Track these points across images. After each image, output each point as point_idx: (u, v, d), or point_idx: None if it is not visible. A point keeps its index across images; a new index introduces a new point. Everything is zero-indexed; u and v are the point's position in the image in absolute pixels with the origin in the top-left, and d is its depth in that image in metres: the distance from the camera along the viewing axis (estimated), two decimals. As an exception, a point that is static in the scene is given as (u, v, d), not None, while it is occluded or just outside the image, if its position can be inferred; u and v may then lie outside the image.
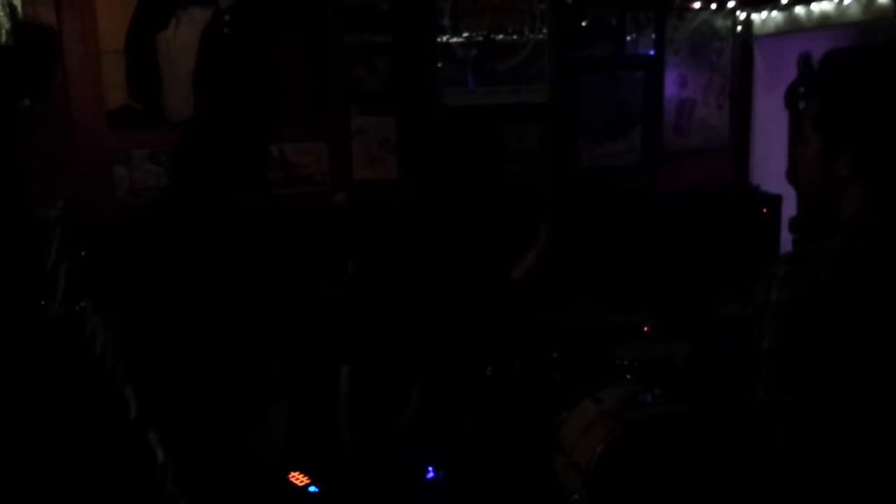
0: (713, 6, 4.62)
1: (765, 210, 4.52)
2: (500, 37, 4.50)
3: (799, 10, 4.10)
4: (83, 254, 3.35)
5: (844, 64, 1.46)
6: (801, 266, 1.39)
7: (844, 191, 1.43)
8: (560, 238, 3.23)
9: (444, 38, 4.45)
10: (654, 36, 4.63)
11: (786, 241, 4.38)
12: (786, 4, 4.20)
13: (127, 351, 2.29)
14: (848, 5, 3.71)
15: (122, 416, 2.21)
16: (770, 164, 4.56)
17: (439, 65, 4.46)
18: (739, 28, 4.66)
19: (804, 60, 1.47)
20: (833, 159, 1.43)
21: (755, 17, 4.56)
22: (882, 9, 3.51)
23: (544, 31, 4.53)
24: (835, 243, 1.41)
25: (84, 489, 2.21)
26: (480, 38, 4.48)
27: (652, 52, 4.66)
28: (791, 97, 1.47)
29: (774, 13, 4.36)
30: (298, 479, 3.06)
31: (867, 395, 1.36)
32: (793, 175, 1.57)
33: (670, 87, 4.70)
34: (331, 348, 3.43)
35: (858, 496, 1.37)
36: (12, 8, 2.91)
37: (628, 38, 4.62)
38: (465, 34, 4.47)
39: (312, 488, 3.06)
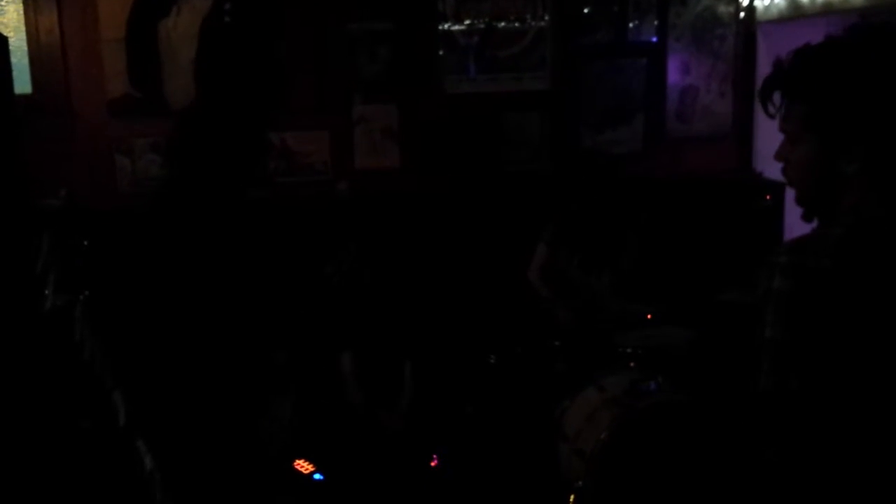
0: (716, -8, 4.61)
1: (768, 197, 4.51)
2: (502, 24, 4.48)
3: (802, -5, 4.08)
4: (85, 243, 3.35)
5: (827, 62, 1.43)
6: (803, 254, 1.38)
7: (848, 184, 1.43)
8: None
9: (446, 26, 4.43)
10: (656, 22, 4.61)
11: (789, 228, 4.38)
12: (789, -10, 4.18)
13: (116, 357, 2.28)
14: (851, -9, 3.69)
15: (111, 423, 2.20)
16: (773, 152, 4.54)
17: (441, 52, 4.45)
18: (742, 14, 4.64)
19: (777, 62, 1.43)
20: (836, 158, 1.43)
21: (758, 3, 4.54)
22: (886, -6, 3.50)
23: (546, 18, 4.51)
24: (836, 231, 1.41)
25: (72, 496, 2.20)
26: (482, 26, 4.46)
27: (654, 39, 4.64)
28: (765, 99, 1.43)
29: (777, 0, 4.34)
30: (303, 466, 3.07)
31: (871, 383, 1.36)
32: (784, 174, 1.56)
33: (673, 74, 4.68)
34: (333, 336, 3.43)
35: (862, 483, 1.38)
36: None
37: (630, 24, 4.60)
38: (467, 21, 4.45)
39: (317, 476, 3.07)
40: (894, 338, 1.34)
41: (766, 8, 4.47)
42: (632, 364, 3.30)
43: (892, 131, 1.39)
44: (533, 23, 4.51)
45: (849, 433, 1.37)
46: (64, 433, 2.23)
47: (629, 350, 3.35)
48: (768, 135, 4.72)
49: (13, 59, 2.92)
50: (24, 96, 3.86)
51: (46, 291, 2.41)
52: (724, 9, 4.65)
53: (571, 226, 3.83)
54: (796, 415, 1.38)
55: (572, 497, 2.85)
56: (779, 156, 1.54)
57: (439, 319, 4.06)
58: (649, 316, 3.71)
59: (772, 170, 4.58)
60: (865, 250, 1.37)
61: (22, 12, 4.01)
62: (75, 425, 2.24)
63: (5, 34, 2.63)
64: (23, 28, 4.01)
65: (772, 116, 1.51)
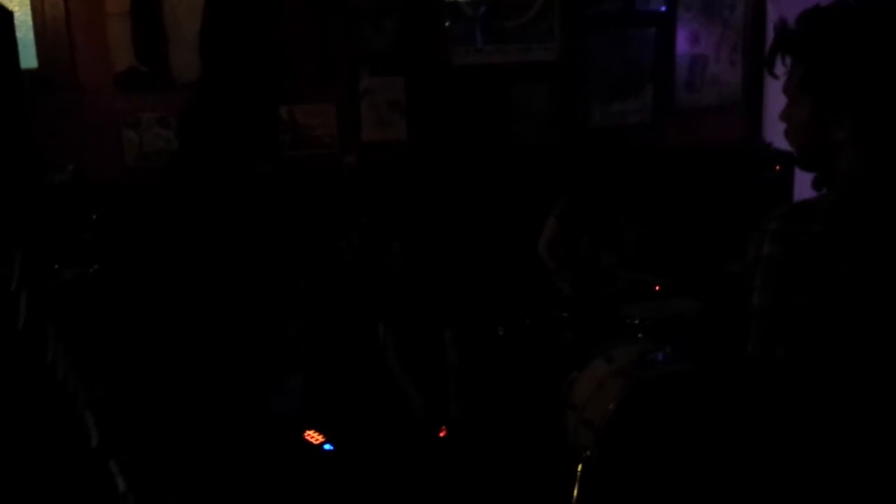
0: (726, -40, 4.55)
1: (777, 167, 4.49)
2: (509, -6, 4.44)
3: (813, -38, 4.03)
4: (94, 217, 3.35)
5: (827, 25, 1.41)
6: (794, 221, 1.38)
7: (840, 150, 1.42)
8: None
9: (453, -4, 4.40)
10: (665, -9, 4.57)
11: (798, 198, 4.36)
12: (800, -43, 4.12)
13: (89, 377, 2.26)
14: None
15: (83, 444, 2.18)
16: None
17: (447, 23, 4.41)
18: (752, -18, 4.59)
19: (781, 23, 1.44)
20: (827, 123, 1.42)
21: (768, -30, 4.49)
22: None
23: (554, -13, 4.46)
24: (828, 198, 1.40)
25: None
26: (489, -4, 4.42)
27: (663, 9, 4.59)
28: (770, 62, 1.44)
29: (788, -34, 4.28)
30: (314, 437, 3.09)
31: (859, 349, 1.36)
32: (785, 136, 1.56)
33: (682, 44, 4.64)
34: (367, 307, 3.44)
35: (844, 448, 1.38)
36: None
37: (639, -7, 4.56)
38: (474, -8, 4.41)
39: (328, 446, 3.10)
40: (883, 304, 1.34)
41: (777, -25, 4.42)
42: (640, 335, 3.30)
43: (882, 100, 1.38)
44: (540, -8, 4.46)
45: (834, 400, 1.37)
46: (33, 460, 2.21)
47: (637, 321, 3.36)
48: (778, 105, 4.67)
49: (19, 34, 2.91)
50: (29, 71, 3.85)
51: (57, 266, 2.41)
52: (733, -23, 4.60)
53: (582, 202, 3.82)
54: (782, 381, 1.37)
55: (580, 467, 2.87)
56: (782, 116, 1.54)
57: (451, 290, 4.07)
58: (657, 287, 3.70)
59: (781, 140, 4.55)
60: (857, 217, 1.36)
61: (26, -14, 3.98)
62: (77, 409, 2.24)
63: (11, 9, 2.62)
64: (28, 2, 3.99)
65: (776, 77, 1.50)
